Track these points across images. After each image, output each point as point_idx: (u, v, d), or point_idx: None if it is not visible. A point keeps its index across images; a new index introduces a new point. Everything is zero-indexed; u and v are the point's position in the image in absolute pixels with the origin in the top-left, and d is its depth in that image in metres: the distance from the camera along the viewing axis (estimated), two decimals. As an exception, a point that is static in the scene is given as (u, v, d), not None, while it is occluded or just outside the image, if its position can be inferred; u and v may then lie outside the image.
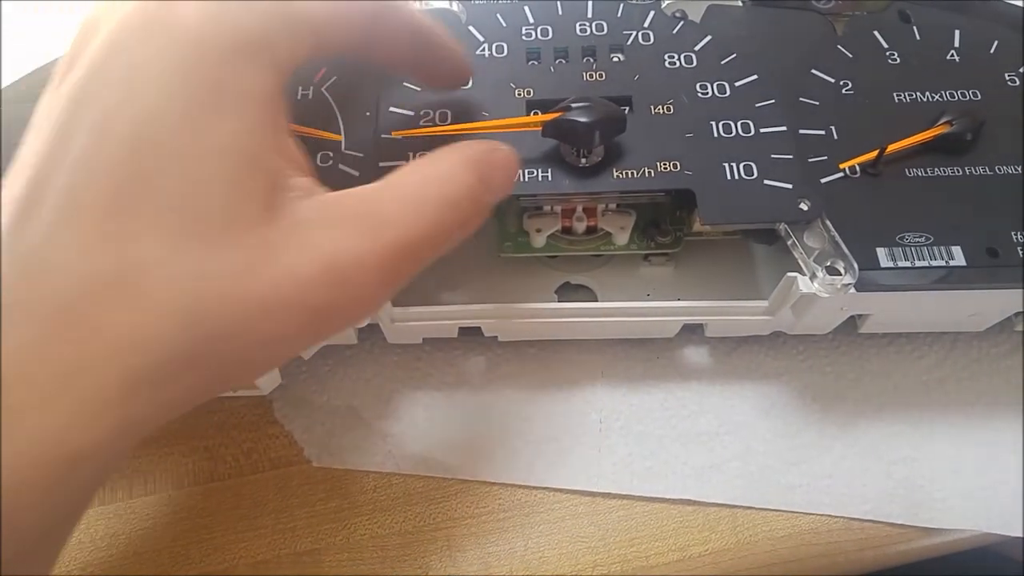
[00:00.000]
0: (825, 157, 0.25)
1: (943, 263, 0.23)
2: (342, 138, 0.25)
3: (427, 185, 0.18)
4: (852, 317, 0.26)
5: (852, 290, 0.23)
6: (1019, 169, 0.24)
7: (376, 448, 0.26)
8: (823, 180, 0.24)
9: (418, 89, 0.26)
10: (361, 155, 0.24)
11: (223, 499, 0.26)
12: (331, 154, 0.24)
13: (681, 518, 0.25)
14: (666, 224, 0.27)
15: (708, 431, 0.26)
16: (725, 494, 0.25)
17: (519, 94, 0.25)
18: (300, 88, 0.26)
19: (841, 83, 0.26)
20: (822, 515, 0.25)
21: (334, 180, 0.24)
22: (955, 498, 0.25)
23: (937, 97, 0.25)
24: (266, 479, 0.26)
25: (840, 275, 0.22)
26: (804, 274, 0.23)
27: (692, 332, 0.28)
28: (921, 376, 0.27)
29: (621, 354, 0.28)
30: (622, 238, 0.27)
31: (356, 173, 0.24)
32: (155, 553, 0.25)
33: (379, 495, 0.26)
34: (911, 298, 0.24)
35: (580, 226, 0.26)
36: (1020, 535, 0.25)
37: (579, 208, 0.26)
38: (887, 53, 0.27)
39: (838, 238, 0.23)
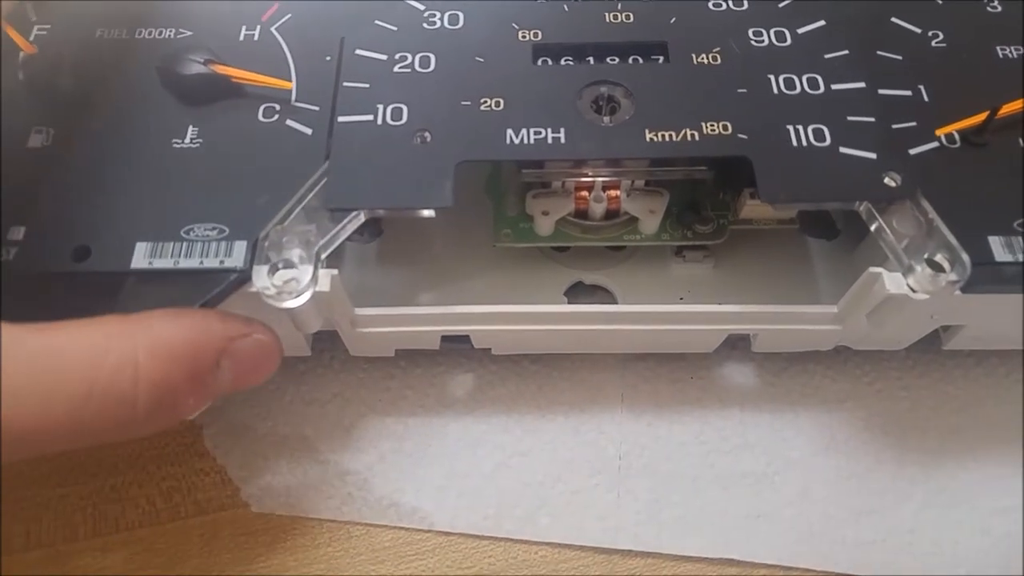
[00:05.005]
0: (914, 123, 0.21)
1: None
2: (292, 87, 0.22)
3: (98, 367, 0.15)
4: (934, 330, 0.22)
5: (958, 291, 0.18)
6: None
7: (333, 490, 0.23)
8: (912, 151, 0.21)
9: (393, 28, 0.23)
10: (316, 108, 0.21)
11: (130, 555, 0.22)
12: (277, 107, 0.21)
13: (724, 585, 0.21)
14: (707, 209, 0.23)
15: (754, 471, 0.23)
16: (777, 553, 0.22)
17: (523, 36, 0.22)
18: (244, 27, 0.23)
19: (930, 34, 0.23)
20: (904, 582, 0.22)
21: (280, 138, 0.21)
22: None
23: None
24: (189, 528, 0.22)
25: (943, 271, 0.18)
26: (893, 270, 0.19)
27: (733, 346, 0.24)
28: (1019, 403, 0.24)
29: (645, 373, 0.24)
30: (651, 225, 0.23)
31: (308, 131, 0.21)
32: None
33: (335, 551, 0.22)
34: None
35: (598, 208, 0.22)
36: None
37: (598, 185, 0.22)
38: (985, -1, 0.24)
39: (940, 223, 0.19)
